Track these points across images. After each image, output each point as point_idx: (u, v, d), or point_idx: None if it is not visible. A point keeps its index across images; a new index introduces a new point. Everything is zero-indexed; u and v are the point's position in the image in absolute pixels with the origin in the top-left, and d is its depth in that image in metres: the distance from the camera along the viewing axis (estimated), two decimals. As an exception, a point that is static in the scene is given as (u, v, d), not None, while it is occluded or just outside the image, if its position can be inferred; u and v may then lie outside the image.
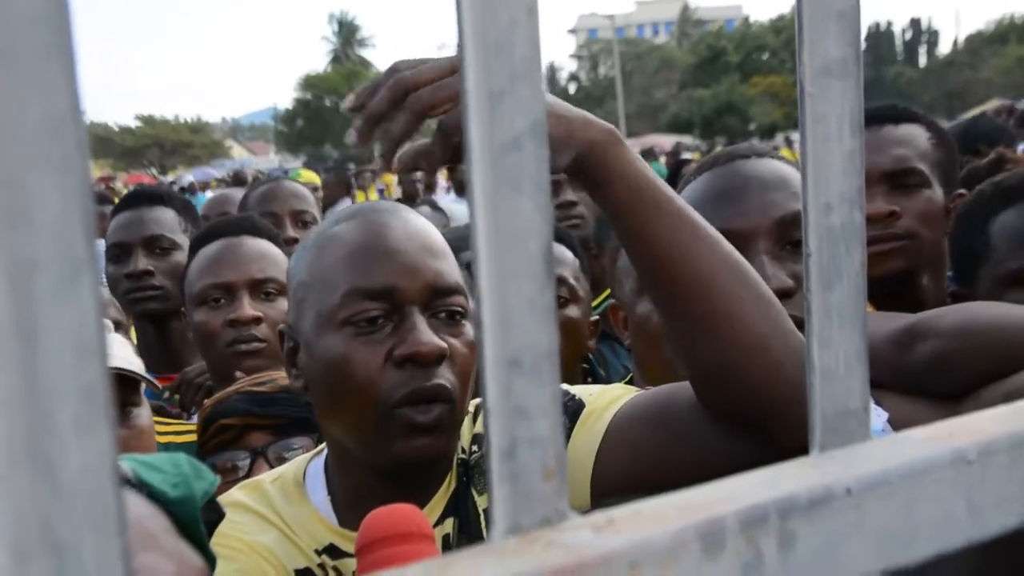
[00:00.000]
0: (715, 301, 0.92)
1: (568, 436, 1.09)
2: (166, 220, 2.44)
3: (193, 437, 1.87)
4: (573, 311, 1.88)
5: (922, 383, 1.24)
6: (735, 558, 0.33)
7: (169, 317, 2.35)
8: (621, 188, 0.92)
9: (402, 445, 1.05)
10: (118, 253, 2.40)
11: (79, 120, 0.26)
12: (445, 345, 1.06)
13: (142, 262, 2.34)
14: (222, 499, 1.13)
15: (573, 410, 1.10)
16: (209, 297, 1.92)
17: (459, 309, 1.10)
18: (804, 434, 0.97)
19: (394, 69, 0.92)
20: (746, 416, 0.94)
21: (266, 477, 1.19)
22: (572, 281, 1.91)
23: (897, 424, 1.21)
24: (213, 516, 0.72)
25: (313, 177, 8.43)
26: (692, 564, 0.32)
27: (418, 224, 1.13)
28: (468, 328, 1.11)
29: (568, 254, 1.95)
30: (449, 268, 1.11)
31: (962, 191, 1.66)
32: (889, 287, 1.56)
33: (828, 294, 0.40)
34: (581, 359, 2.04)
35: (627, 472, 1.02)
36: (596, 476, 1.05)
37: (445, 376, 1.06)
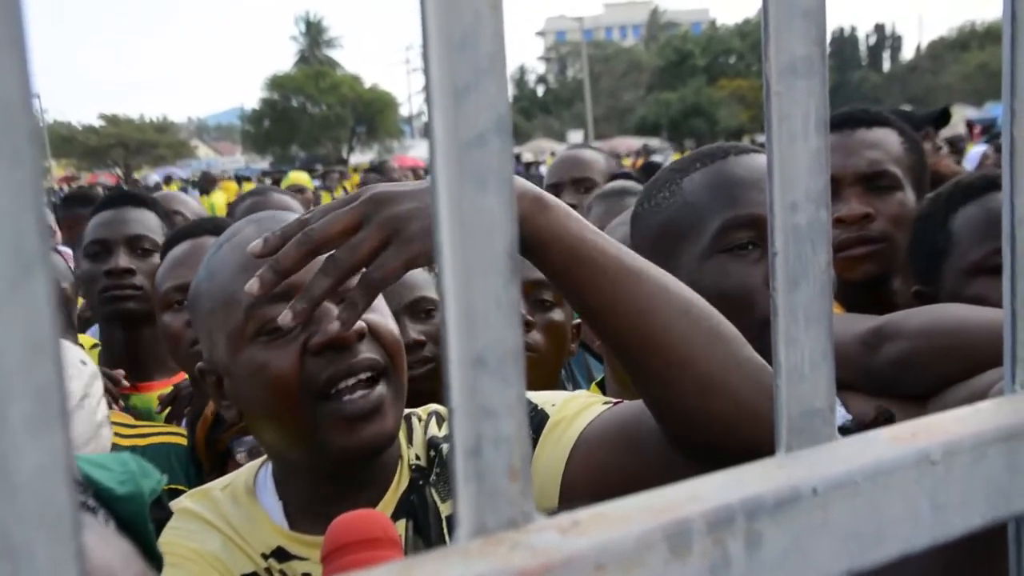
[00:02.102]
0: (668, 349, 0.90)
1: (533, 447, 1.09)
2: (149, 222, 2.41)
3: (161, 439, 1.86)
4: (557, 315, 1.88)
5: (889, 384, 1.26)
6: (702, 559, 0.33)
7: (142, 322, 2.31)
8: (555, 254, 0.90)
9: (344, 438, 1.03)
10: (98, 250, 2.35)
11: (30, 111, 0.25)
12: (363, 324, 1.04)
13: (124, 260, 2.31)
14: (171, 506, 1.12)
15: (537, 422, 1.10)
16: (173, 300, 1.90)
17: None
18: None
19: (303, 221, 0.91)
20: (711, 450, 0.93)
21: (216, 484, 1.18)
22: None
23: (863, 425, 1.22)
24: (161, 515, 0.70)
25: (303, 178, 8.38)
26: (659, 565, 0.32)
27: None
28: (381, 302, 1.10)
29: None
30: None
31: (929, 195, 1.68)
32: (861, 290, 1.58)
33: (794, 293, 0.39)
34: (563, 363, 2.04)
35: (595, 488, 1.01)
36: (564, 489, 1.04)
37: (370, 351, 1.04)
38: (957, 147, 7.55)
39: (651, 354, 0.91)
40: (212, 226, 2.03)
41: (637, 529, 0.32)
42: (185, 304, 1.88)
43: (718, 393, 0.90)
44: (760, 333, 0.99)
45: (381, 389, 1.05)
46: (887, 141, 1.68)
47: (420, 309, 1.72)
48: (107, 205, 2.46)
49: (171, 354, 2.02)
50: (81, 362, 1.52)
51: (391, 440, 1.09)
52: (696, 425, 0.92)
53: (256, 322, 1.05)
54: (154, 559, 0.66)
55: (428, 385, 1.50)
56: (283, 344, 1.05)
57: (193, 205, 3.34)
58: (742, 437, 0.90)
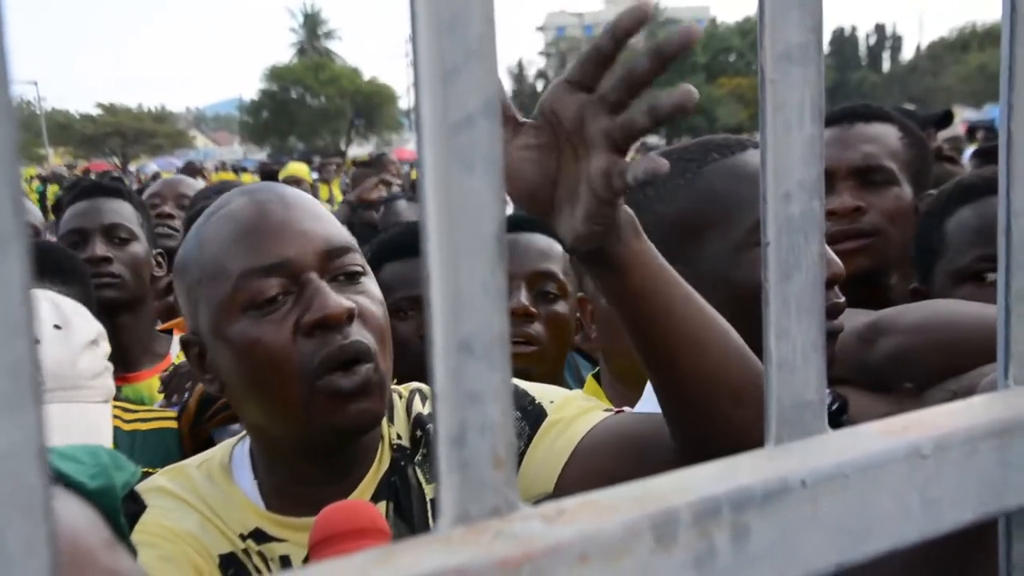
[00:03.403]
0: (716, 382, 0.90)
1: (527, 442, 1.08)
2: (125, 211, 2.41)
3: (158, 424, 1.85)
4: (562, 307, 1.86)
5: (884, 378, 1.25)
6: (687, 550, 0.32)
7: (122, 310, 2.30)
8: (638, 278, 0.88)
9: (334, 416, 1.03)
10: (75, 240, 2.35)
11: (5, 88, 0.24)
12: (353, 304, 1.04)
13: (100, 248, 2.30)
14: (144, 484, 1.09)
15: (534, 416, 1.09)
16: None
17: (358, 268, 1.08)
18: None
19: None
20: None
21: (192, 461, 1.16)
22: (561, 276, 1.88)
23: (859, 419, 1.22)
24: (134, 508, 0.69)
25: (302, 170, 8.35)
26: (644, 556, 0.32)
27: (294, 194, 1.11)
28: (372, 285, 1.09)
29: (557, 248, 1.92)
30: (338, 229, 1.09)
31: (932, 192, 1.67)
32: (858, 286, 1.57)
33: (786, 284, 0.39)
34: (567, 355, 2.03)
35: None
36: (558, 491, 1.03)
37: (360, 334, 1.04)
38: (956, 148, 7.53)
39: (698, 384, 0.90)
40: None
41: (622, 519, 0.31)
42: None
43: (750, 404, 0.90)
44: None
45: (369, 369, 1.04)
46: (884, 136, 1.67)
47: (540, 289, 1.78)
48: (82, 196, 2.46)
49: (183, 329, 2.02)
50: (94, 318, 1.54)
51: (378, 420, 1.08)
52: (713, 442, 0.91)
53: (247, 294, 1.03)
54: (128, 552, 0.64)
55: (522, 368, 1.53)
56: (275, 320, 1.03)
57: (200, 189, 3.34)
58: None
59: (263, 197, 1.09)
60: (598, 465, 1.03)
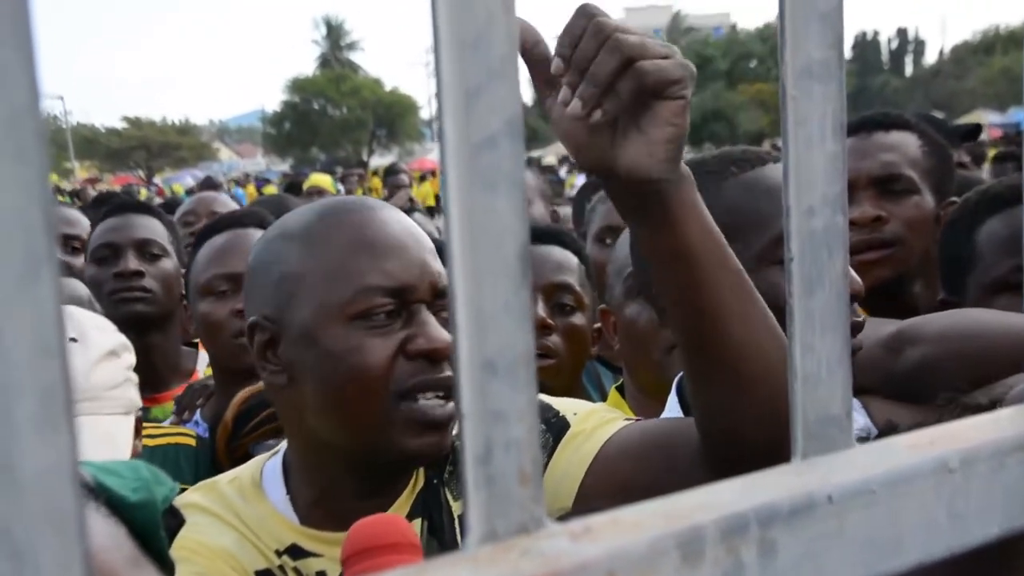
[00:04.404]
0: (752, 355, 0.90)
1: (550, 454, 1.08)
2: (156, 228, 2.43)
3: (168, 440, 1.86)
4: (578, 319, 1.86)
5: (909, 389, 1.24)
6: (714, 567, 0.32)
7: (152, 328, 2.30)
8: (695, 228, 0.88)
9: (411, 440, 1.05)
10: (106, 255, 2.36)
11: (37, 111, 0.25)
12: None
13: (133, 262, 2.31)
14: (177, 501, 1.12)
15: (558, 428, 1.09)
16: (216, 288, 1.91)
17: None
18: None
19: (586, 14, 0.85)
20: (746, 463, 0.92)
21: (223, 478, 1.17)
22: (578, 288, 1.88)
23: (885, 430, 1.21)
24: (173, 522, 0.70)
25: (325, 181, 8.41)
26: (671, 573, 0.32)
27: (411, 222, 1.14)
28: None
29: (573, 260, 1.92)
30: (442, 269, 1.11)
31: (954, 199, 1.66)
32: (882, 295, 1.56)
33: (810, 299, 0.39)
34: (584, 367, 2.02)
35: (615, 501, 1.00)
36: (580, 499, 1.04)
37: (450, 369, 1.06)
38: (977, 153, 7.48)
39: (733, 353, 0.90)
40: (256, 218, 2.04)
41: (649, 536, 0.32)
42: (228, 293, 1.89)
43: (780, 392, 0.89)
44: None
45: (451, 406, 1.06)
46: (904, 144, 1.66)
47: (557, 302, 1.78)
48: (113, 212, 2.48)
49: (207, 342, 2.02)
50: (116, 330, 1.55)
51: (444, 455, 1.11)
52: (747, 439, 0.91)
53: (363, 306, 1.06)
54: (166, 567, 0.65)
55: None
56: (382, 335, 1.06)
57: (233, 207, 3.35)
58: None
59: (384, 216, 1.11)
60: (618, 472, 1.04)
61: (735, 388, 0.91)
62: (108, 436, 1.42)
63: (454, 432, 1.09)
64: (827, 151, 0.38)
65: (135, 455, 1.47)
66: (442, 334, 1.06)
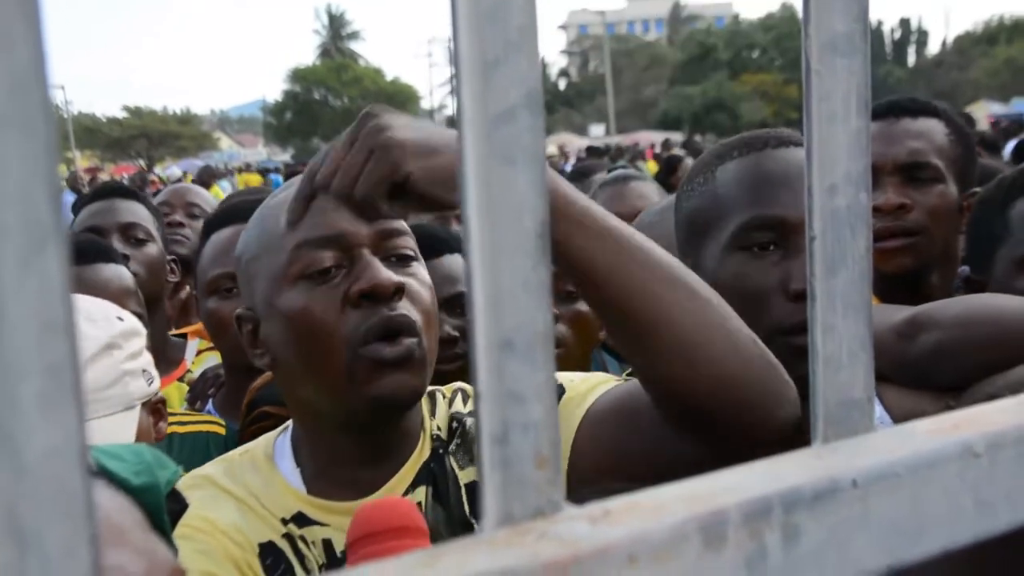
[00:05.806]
0: (649, 312, 0.91)
1: None
2: (141, 212, 2.42)
3: (199, 427, 1.86)
4: (583, 305, 1.85)
5: (924, 375, 1.23)
6: (737, 551, 0.32)
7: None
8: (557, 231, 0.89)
9: (374, 385, 1.05)
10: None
11: (43, 80, 0.24)
12: (401, 280, 1.06)
13: (118, 246, 2.30)
14: (193, 473, 1.14)
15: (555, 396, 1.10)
16: (221, 286, 1.90)
17: (410, 252, 1.11)
18: (757, 434, 0.96)
19: (312, 171, 0.98)
20: (698, 421, 0.94)
21: (235, 452, 1.19)
22: None
23: (898, 417, 1.20)
24: (176, 507, 0.70)
25: None
26: (693, 557, 0.31)
27: None
28: (422, 269, 1.12)
29: None
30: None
31: (977, 189, 1.65)
32: (897, 283, 1.55)
33: (832, 279, 0.38)
34: (591, 355, 2.01)
35: (601, 464, 1.03)
36: (572, 464, 1.04)
37: (407, 309, 1.06)
38: (987, 143, 7.44)
39: (633, 317, 0.91)
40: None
41: (670, 520, 0.31)
42: (234, 291, 1.88)
43: (700, 360, 0.91)
44: (769, 338, 0.97)
45: (413, 343, 1.05)
46: (931, 131, 1.63)
47: (458, 304, 1.71)
48: (97, 197, 2.47)
49: (215, 341, 2.02)
50: (117, 318, 1.52)
51: (417, 396, 1.10)
52: (680, 393, 0.93)
53: (301, 264, 1.06)
54: (170, 548, 0.65)
55: (458, 379, 1.50)
56: (326, 289, 1.06)
57: (208, 197, 3.31)
58: (727, 408, 0.91)
59: None
60: (600, 431, 1.05)
61: (655, 359, 0.93)
62: (109, 437, 1.40)
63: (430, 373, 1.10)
64: (851, 127, 0.37)
65: (159, 439, 1.46)
66: (381, 272, 1.05)
